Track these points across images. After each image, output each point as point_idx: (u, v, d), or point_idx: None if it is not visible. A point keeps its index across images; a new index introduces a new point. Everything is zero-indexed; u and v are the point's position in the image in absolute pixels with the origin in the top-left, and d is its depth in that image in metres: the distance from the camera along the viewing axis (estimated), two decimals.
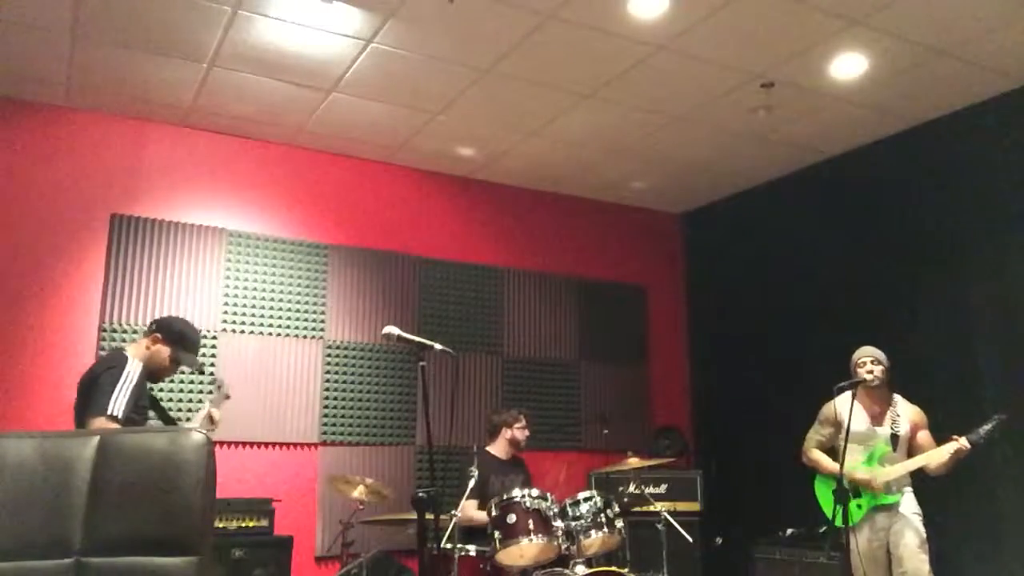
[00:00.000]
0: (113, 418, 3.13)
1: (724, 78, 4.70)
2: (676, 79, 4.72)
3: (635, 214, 6.93)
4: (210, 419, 3.63)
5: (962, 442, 3.69)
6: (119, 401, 3.17)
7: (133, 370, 3.30)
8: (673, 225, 7.16)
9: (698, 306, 6.97)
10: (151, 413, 3.62)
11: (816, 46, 4.35)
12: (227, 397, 3.84)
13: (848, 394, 3.96)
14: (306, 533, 5.09)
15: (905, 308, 5.11)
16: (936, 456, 3.80)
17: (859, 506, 3.95)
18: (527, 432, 4.98)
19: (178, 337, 3.52)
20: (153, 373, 3.51)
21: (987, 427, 3.68)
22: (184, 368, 3.68)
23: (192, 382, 4.92)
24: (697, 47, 4.36)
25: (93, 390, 3.22)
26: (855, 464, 4.00)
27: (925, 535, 3.84)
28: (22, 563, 1.52)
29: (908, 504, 3.90)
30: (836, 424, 4.03)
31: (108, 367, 3.30)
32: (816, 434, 4.20)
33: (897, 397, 4.07)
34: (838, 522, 3.91)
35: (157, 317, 3.67)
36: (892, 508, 3.91)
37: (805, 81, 4.72)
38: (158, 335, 3.49)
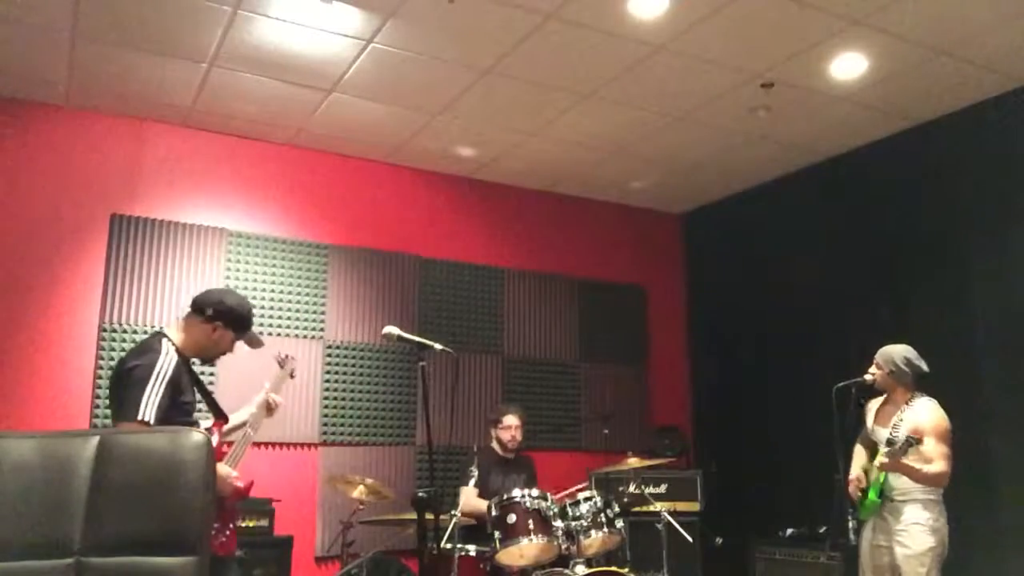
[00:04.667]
0: (144, 424, 2.80)
1: (724, 78, 4.70)
2: (676, 79, 4.72)
3: (635, 214, 6.93)
4: (268, 407, 3.37)
5: (881, 460, 3.73)
6: (151, 403, 2.83)
7: (166, 365, 2.92)
8: (673, 225, 7.16)
9: (698, 306, 6.97)
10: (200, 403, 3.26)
11: (816, 46, 4.35)
12: (291, 376, 3.56)
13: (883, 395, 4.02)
14: (306, 533, 5.09)
15: (904, 308, 5.11)
16: (875, 466, 3.82)
17: (863, 504, 3.94)
18: (513, 434, 4.89)
19: (240, 321, 3.20)
20: (212, 358, 3.23)
21: (900, 441, 3.67)
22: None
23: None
24: (697, 47, 4.36)
25: (122, 389, 2.90)
26: (866, 463, 4.01)
27: (929, 544, 3.70)
28: (22, 563, 1.52)
29: (911, 515, 3.78)
30: (863, 422, 4.05)
31: (136, 362, 2.93)
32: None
33: (918, 401, 3.89)
34: (862, 515, 3.93)
35: (205, 297, 3.19)
36: (885, 515, 3.87)
37: (805, 81, 4.72)
38: (219, 323, 3.13)
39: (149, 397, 2.84)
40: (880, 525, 3.90)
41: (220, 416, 3.28)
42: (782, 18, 4.08)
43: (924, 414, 3.84)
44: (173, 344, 3.05)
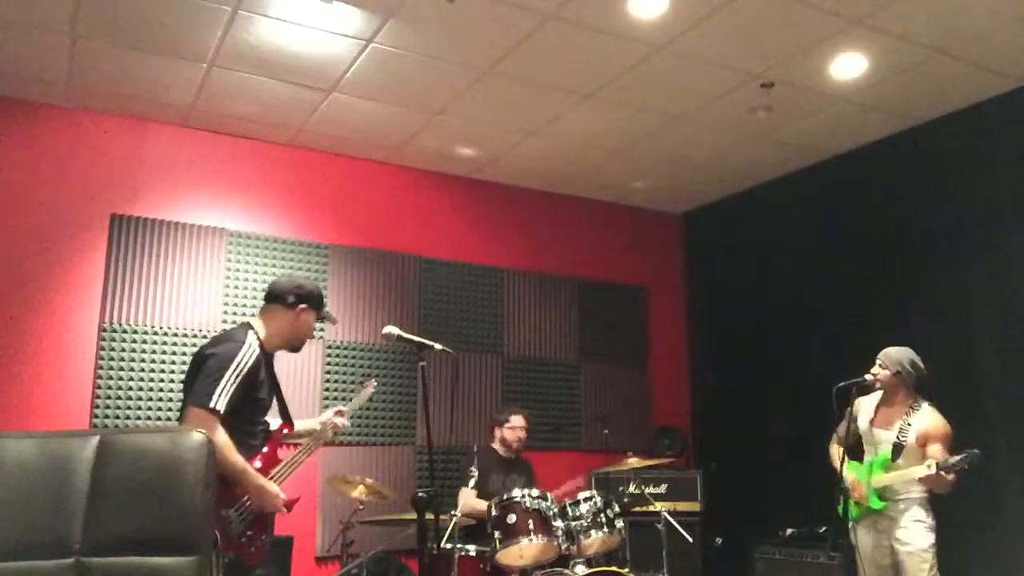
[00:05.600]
0: (213, 412, 2.81)
1: (724, 78, 4.70)
2: (676, 79, 4.72)
3: (635, 214, 6.93)
4: (333, 427, 3.41)
5: (932, 467, 3.65)
6: (224, 393, 2.83)
7: (246, 357, 2.93)
8: (673, 225, 7.16)
9: (698, 306, 6.97)
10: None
11: (816, 46, 4.35)
12: (370, 399, 3.59)
13: (875, 394, 4.02)
14: (306, 533, 5.09)
15: (904, 308, 5.11)
16: (908, 475, 3.78)
17: (856, 503, 3.95)
18: (520, 435, 4.94)
19: (319, 300, 3.25)
20: (298, 344, 3.25)
21: (957, 458, 3.63)
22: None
23: None
24: (697, 47, 4.36)
25: (198, 375, 2.90)
26: (859, 465, 4.01)
27: (931, 541, 3.77)
28: (22, 563, 1.52)
29: (912, 513, 3.83)
30: (852, 419, 4.06)
31: (216, 350, 2.94)
32: (838, 426, 4.16)
33: (923, 405, 3.93)
34: (853, 514, 3.93)
35: (281, 285, 3.22)
36: (886, 515, 3.89)
37: (805, 81, 4.72)
38: (304, 306, 3.18)
39: (224, 387, 2.85)
40: (881, 525, 3.92)
41: (287, 420, 3.29)
42: (782, 18, 4.08)
43: (931, 421, 3.88)
44: (258, 338, 3.05)
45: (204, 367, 2.90)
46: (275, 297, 3.20)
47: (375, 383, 3.71)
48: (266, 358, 3.10)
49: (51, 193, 4.89)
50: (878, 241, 5.41)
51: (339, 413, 3.52)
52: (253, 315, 5.31)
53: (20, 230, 4.78)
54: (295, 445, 3.39)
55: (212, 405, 2.81)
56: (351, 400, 3.65)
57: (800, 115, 5.17)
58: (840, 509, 3.87)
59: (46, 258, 4.82)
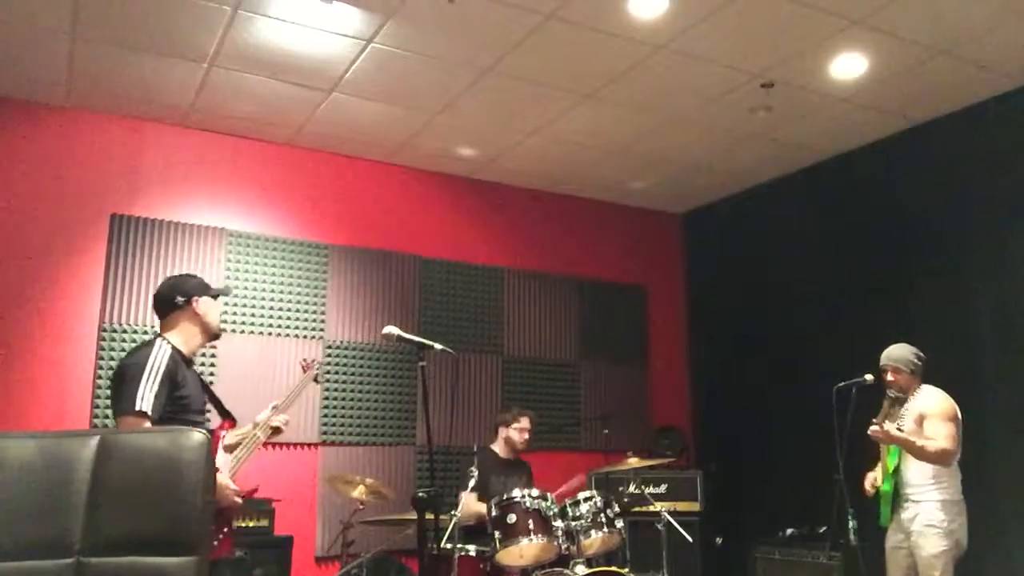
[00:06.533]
0: (142, 414, 2.82)
1: (724, 78, 4.70)
2: (676, 79, 4.71)
3: (635, 214, 6.93)
4: (271, 428, 3.38)
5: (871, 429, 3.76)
6: (146, 395, 2.85)
7: (159, 359, 2.95)
8: (673, 225, 7.16)
9: (698, 306, 6.97)
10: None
11: (816, 46, 4.35)
12: (316, 381, 3.53)
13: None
14: (306, 533, 5.09)
15: (904, 308, 5.11)
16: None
17: (884, 508, 3.96)
18: (526, 435, 4.94)
19: (204, 285, 3.25)
20: (214, 331, 3.24)
21: (881, 415, 3.74)
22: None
23: None
24: (697, 47, 4.36)
25: (119, 386, 2.94)
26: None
27: (942, 547, 3.74)
28: (22, 563, 1.52)
29: (926, 517, 3.81)
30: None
31: (130, 361, 2.98)
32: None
33: (922, 390, 3.96)
34: (883, 522, 3.96)
35: (164, 295, 3.19)
36: (905, 517, 3.88)
37: (805, 81, 4.72)
38: (195, 298, 3.16)
39: (144, 390, 2.87)
40: (898, 525, 3.92)
41: (226, 417, 3.28)
42: (782, 18, 4.08)
43: (926, 400, 3.91)
44: (170, 344, 3.07)
45: (123, 378, 2.92)
46: (165, 306, 3.18)
47: (318, 364, 3.68)
48: (184, 360, 3.11)
49: (51, 193, 4.89)
50: (878, 241, 5.41)
51: (275, 409, 3.48)
52: (253, 314, 5.33)
53: (20, 230, 4.78)
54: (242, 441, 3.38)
55: (138, 408, 2.82)
56: (316, 388, 3.55)
57: (800, 115, 5.17)
58: (881, 516, 3.94)
59: (46, 258, 4.82)
